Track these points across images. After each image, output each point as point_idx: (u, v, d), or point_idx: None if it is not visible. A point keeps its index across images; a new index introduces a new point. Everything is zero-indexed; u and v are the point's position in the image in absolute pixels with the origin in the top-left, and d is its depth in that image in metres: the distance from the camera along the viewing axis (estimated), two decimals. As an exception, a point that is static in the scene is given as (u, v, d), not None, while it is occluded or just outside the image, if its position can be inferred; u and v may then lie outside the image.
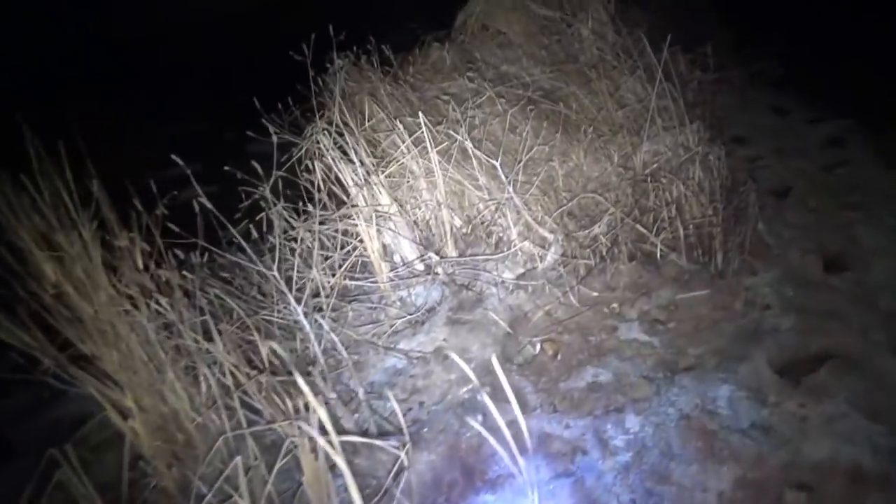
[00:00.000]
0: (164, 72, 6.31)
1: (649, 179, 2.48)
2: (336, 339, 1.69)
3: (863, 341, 1.85)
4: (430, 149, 2.30)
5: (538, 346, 1.99)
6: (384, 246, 2.25)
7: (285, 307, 2.02)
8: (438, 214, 2.37)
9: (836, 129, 3.31)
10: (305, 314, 1.70)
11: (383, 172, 2.31)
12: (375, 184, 2.24)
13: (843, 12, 4.43)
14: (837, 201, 2.62)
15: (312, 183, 2.23)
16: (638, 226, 2.28)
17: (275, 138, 2.19)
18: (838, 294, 2.08)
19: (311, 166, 2.25)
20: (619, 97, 3.05)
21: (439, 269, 2.19)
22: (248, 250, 1.86)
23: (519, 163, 2.43)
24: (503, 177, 2.30)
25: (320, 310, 2.05)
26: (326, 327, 1.76)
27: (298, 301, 1.77)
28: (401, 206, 2.31)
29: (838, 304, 2.01)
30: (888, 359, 1.79)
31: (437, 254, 2.23)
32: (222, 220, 1.85)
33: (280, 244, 2.04)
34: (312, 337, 1.67)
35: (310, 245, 2.13)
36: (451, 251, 2.32)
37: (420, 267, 2.30)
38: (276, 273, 1.80)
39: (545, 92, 3.18)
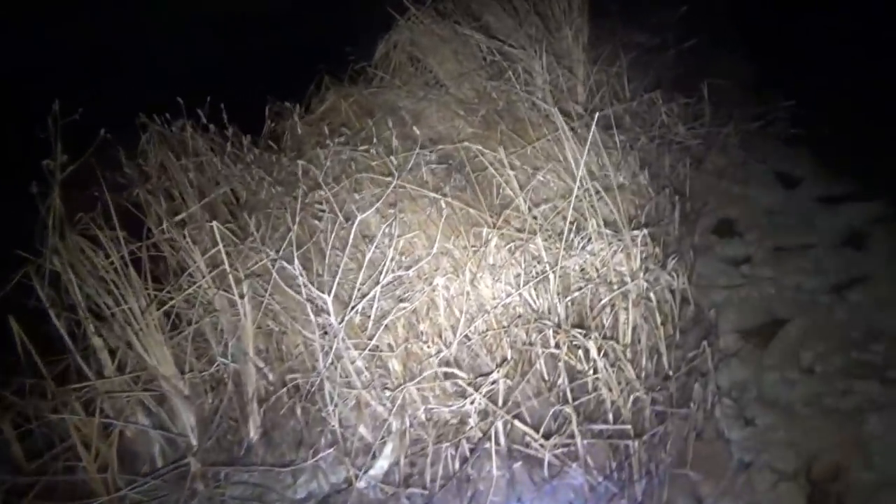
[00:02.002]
0: None
1: (560, 326, 1.69)
2: None
3: None
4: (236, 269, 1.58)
5: None
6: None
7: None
8: (244, 369, 1.64)
9: (857, 217, 2.43)
10: None
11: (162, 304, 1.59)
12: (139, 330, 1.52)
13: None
14: (845, 359, 1.78)
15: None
16: (517, 422, 1.50)
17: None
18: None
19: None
20: (551, 177, 2.24)
21: (199, 483, 1.46)
22: None
23: (360, 294, 1.66)
24: (332, 317, 1.56)
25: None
26: None
27: None
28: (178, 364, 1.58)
29: None
30: None
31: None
32: None
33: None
34: None
35: None
36: (252, 432, 1.59)
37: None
38: None
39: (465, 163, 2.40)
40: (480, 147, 2.41)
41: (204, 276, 1.62)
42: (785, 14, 4.68)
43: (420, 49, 2.91)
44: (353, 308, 1.61)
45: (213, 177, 2.00)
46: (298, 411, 1.61)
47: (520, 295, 1.81)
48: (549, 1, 3.47)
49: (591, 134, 1.93)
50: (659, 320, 1.69)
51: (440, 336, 1.78)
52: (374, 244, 1.71)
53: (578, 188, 1.87)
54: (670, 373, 1.67)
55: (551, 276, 1.79)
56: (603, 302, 1.71)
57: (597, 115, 2.99)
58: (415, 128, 2.51)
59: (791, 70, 3.87)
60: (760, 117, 3.23)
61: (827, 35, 3.98)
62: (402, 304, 1.72)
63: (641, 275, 1.76)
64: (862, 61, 3.52)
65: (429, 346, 1.72)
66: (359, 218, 1.70)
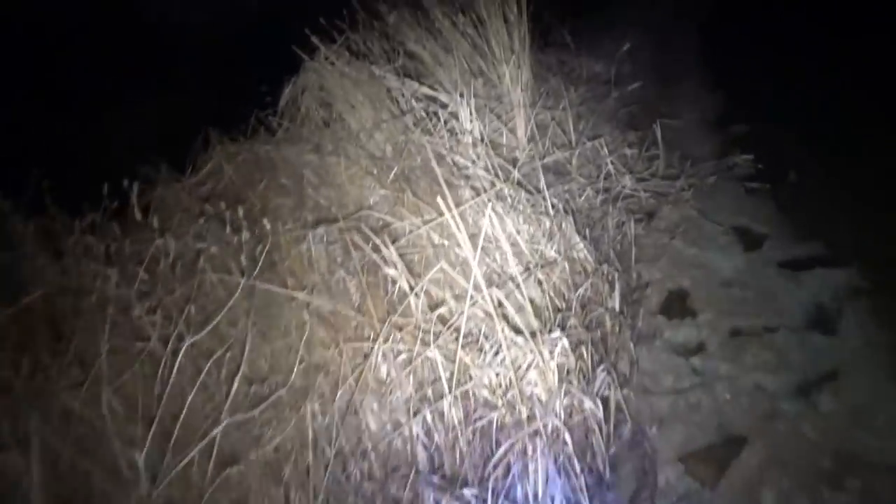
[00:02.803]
0: None
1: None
2: None
3: None
4: None
5: None
6: None
7: None
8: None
9: (826, 289, 2.11)
10: None
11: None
12: None
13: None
14: (814, 499, 1.43)
15: None
16: None
17: None
18: None
19: None
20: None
21: None
22: None
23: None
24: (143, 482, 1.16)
25: None
26: None
27: None
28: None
29: None
30: None
31: None
32: None
33: None
34: None
35: None
36: None
37: None
38: None
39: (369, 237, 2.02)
40: (387, 217, 2.06)
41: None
42: (750, 39, 4.43)
43: (331, 94, 2.54)
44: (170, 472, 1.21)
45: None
46: None
47: (409, 428, 1.43)
48: (486, 33, 3.15)
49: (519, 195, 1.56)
50: (578, 468, 1.32)
51: (303, 487, 1.39)
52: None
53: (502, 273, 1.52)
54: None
55: (445, 403, 1.42)
56: (504, 448, 1.33)
57: (538, 162, 2.70)
58: (315, 190, 2.16)
59: (756, 103, 3.59)
60: (719, 161, 2.91)
61: (796, 65, 3.72)
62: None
63: (558, 403, 1.39)
64: (833, 95, 3.22)
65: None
66: (187, 342, 1.31)
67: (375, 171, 2.28)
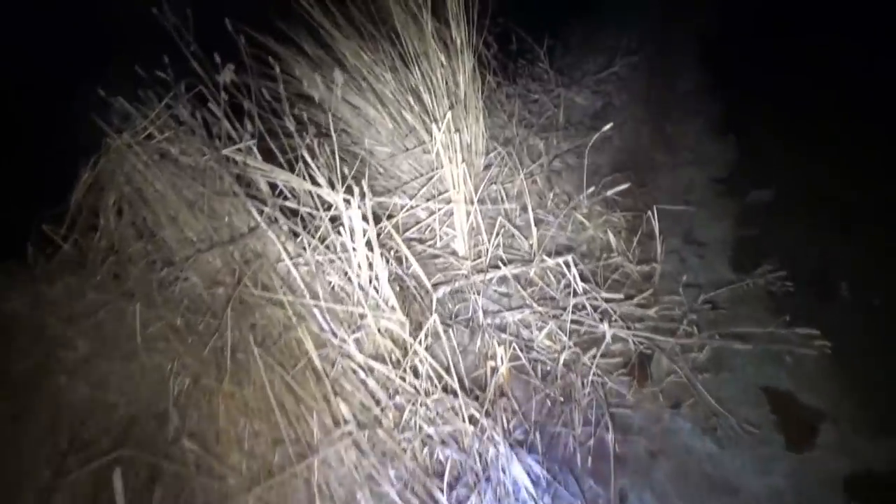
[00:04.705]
0: None
1: None
2: None
3: None
4: None
5: None
6: None
7: None
8: None
9: None
10: None
11: None
12: None
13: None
14: None
15: None
16: None
17: None
18: None
19: None
20: None
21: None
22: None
23: None
24: None
25: None
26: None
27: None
28: None
29: None
30: None
31: None
32: None
33: None
34: None
35: None
36: None
37: None
38: None
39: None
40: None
41: None
42: (763, 61, 3.53)
43: (144, 192, 1.61)
44: None
45: None
46: None
47: None
48: (426, 70, 2.21)
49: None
50: None
51: None
52: None
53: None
54: None
55: None
56: None
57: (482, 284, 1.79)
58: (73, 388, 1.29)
59: (776, 153, 2.72)
60: (737, 277, 2.02)
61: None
62: None
63: None
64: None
65: None
66: None
67: (189, 341, 1.38)
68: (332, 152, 1.51)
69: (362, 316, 1.41)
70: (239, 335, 1.27)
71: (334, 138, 1.53)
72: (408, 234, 2.14)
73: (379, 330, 1.44)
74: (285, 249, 1.41)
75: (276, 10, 2.32)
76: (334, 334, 1.38)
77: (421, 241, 2.15)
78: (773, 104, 3.06)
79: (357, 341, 1.40)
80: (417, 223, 2.15)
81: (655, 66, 3.84)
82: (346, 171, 1.58)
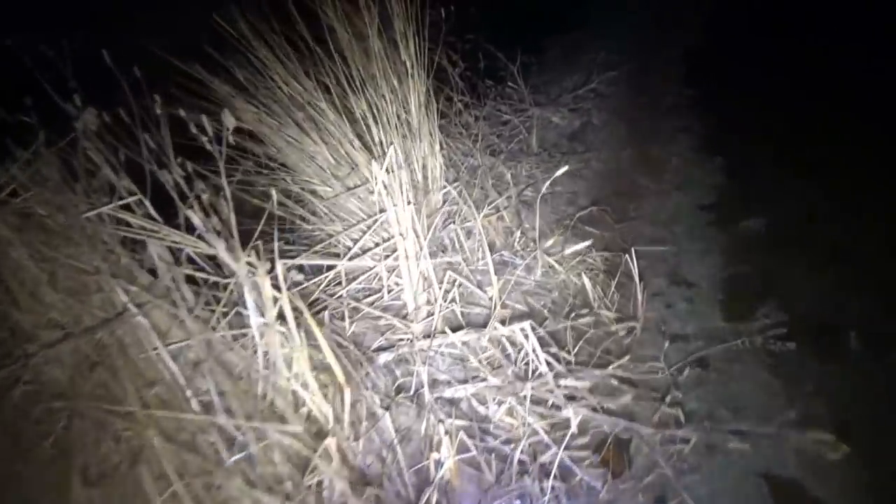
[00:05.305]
0: None
1: None
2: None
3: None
4: None
5: None
6: None
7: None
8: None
9: None
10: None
11: None
12: None
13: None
14: None
15: None
16: None
17: None
18: None
19: None
20: None
21: None
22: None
23: None
24: None
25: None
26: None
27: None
28: None
29: None
30: None
31: None
32: None
33: None
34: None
35: None
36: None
37: None
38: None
39: None
40: None
41: None
42: (751, 74, 3.29)
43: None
44: None
45: None
46: None
47: None
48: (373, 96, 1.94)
49: None
50: None
51: None
52: None
53: None
54: None
55: None
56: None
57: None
58: None
59: (767, 183, 2.46)
60: (733, 329, 1.75)
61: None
62: None
63: None
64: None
65: None
66: None
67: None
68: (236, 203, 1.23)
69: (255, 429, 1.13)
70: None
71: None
72: (354, 284, 1.87)
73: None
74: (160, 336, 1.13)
75: (208, 34, 2.04)
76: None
77: (368, 293, 1.88)
78: (761, 120, 2.83)
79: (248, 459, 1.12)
80: (365, 272, 1.88)
81: (637, 81, 3.60)
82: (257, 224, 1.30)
